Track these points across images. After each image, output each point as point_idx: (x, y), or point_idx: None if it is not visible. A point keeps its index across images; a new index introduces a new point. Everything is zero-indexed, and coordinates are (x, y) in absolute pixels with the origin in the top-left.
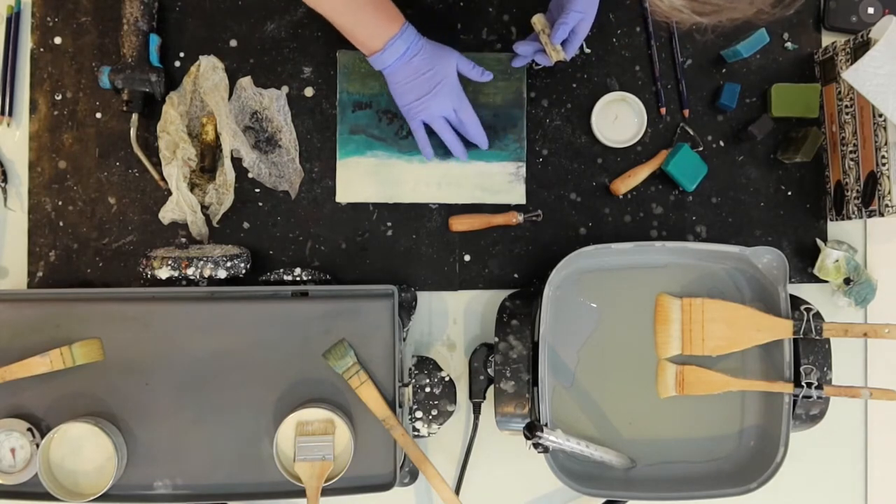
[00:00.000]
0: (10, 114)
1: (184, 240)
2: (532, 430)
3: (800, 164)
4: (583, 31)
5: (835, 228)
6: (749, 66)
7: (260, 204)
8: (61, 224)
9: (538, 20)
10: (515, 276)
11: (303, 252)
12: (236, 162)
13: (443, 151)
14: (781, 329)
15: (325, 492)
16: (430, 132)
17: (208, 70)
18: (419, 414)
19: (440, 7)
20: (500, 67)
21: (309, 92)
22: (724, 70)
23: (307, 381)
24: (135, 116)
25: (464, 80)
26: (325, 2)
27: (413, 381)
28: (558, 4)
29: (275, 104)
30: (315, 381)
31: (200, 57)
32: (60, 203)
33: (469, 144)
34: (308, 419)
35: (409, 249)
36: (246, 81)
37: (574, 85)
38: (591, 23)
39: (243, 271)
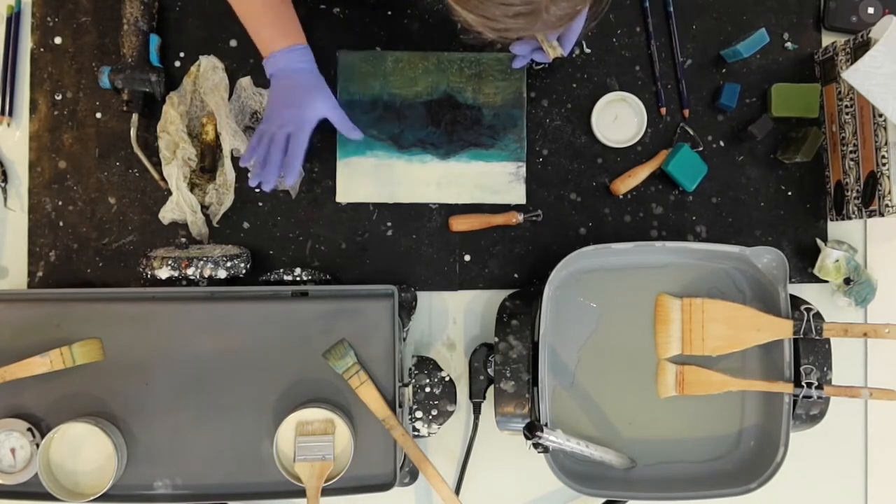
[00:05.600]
0: (10, 114)
1: (184, 240)
2: (532, 430)
3: (800, 164)
4: (578, 26)
5: (835, 228)
6: (749, 66)
7: (260, 204)
8: (61, 224)
9: None
10: (515, 276)
11: (303, 252)
12: (236, 162)
13: (444, 151)
14: (781, 329)
15: (325, 492)
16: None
17: (208, 70)
18: (419, 414)
19: (440, 7)
20: (500, 67)
21: None
22: (724, 70)
23: (307, 381)
24: (135, 116)
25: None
26: (241, 4)
27: (413, 381)
28: None
29: None
30: (315, 381)
31: (200, 57)
32: (60, 203)
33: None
34: (308, 419)
35: (409, 249)
36: (246, 81)
37: (574, 85)
38: (584, 17)
39: (243, 271)
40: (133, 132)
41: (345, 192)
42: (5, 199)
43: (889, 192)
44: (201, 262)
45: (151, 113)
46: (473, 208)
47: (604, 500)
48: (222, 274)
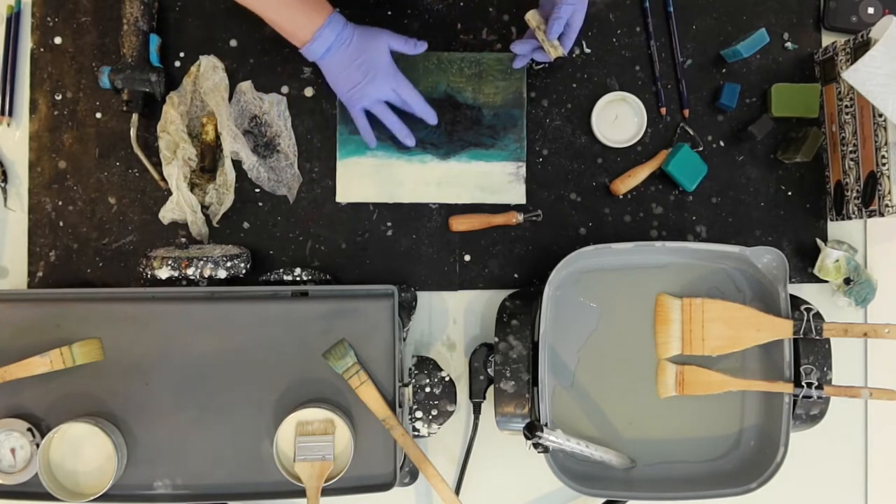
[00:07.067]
0: (10, 114)
1: (184, 240)
2: (532, 430)
3: (800, 164)
4: (577, 24)
5: (835, 228)
6: (749, 66)
7: (260, 204)
8: (61, 224)
9: (532, 17)
10: (515, 276)
11: (303, 252)
12: (236, 162)
13: (444, 151)
14: (781, 329)
15: (325, 492)
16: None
17: (208, 70)
18: (419, 414)
19: (440, 7)
20: (500, 67)
21: (309, 92)
22: (724, 70)
23: (307, 381)
24: (135, 116)
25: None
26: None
27: (413, 381)
28: None
29: (275, 109)
30: (315, 381)
31: (200, 57)
32: (60, 203)
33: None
34: (308, 419)
35: (409, 249)
36: (246, 86)
37: (574, 85)
38: (583, 14)
39: (243, 271)
40: (133, 132)
41: (345, 192)
42: (5, 199)
43: (889, 192)
44: (201, 262)
45: (151, 113)
46: (473, 208)
47: (604, 500)
48: (222, 274)
